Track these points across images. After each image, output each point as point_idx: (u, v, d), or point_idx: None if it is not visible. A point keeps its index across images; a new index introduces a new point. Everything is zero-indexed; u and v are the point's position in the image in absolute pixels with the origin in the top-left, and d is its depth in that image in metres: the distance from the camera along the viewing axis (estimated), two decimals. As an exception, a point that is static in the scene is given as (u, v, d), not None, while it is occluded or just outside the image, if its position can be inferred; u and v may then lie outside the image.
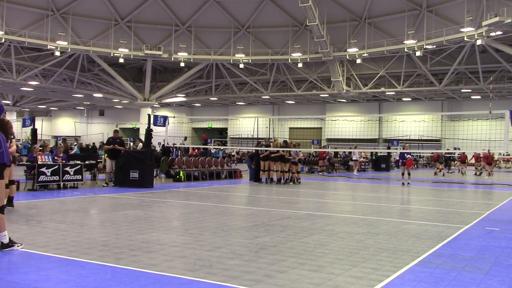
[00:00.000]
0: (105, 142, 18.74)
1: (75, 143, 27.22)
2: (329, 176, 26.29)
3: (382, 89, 44.84)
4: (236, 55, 43.46)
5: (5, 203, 6.43)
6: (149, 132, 16.28)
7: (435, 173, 29.44)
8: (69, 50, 40.68)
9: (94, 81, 49.27)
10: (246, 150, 41.52)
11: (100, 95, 51.11)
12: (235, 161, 35.24)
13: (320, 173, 27.39)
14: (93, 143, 31.83)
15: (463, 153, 31.92)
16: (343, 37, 41.18)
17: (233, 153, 42.01)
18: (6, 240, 6.02)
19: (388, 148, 37.46)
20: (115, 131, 16.72)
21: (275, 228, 8.12)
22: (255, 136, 39.12)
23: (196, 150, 32.42)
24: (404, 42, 37.46)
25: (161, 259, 5.66)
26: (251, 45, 43.82)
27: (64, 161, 14.36)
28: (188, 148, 31.84)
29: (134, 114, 56.23)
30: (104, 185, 15.44)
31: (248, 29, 44.67)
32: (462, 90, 43.13)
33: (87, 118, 69.59)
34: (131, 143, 31.18)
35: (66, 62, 43.57)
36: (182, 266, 5.37)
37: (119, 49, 41.92)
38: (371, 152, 34.22)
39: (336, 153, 34.08)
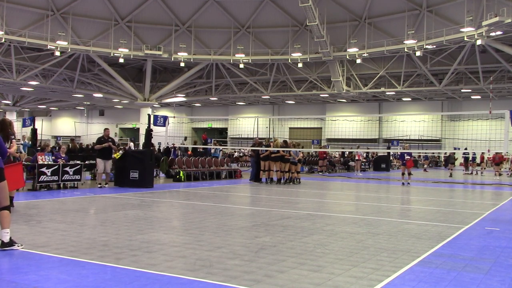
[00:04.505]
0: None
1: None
2: (329, 176, 26.29)
3: (382, 89, 44.83)
4: (236, 55, 43.44)
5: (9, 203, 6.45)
6: (149, 132, 16.27)
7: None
8: (69, 50, 40.67)
9: (94, 81, 49.27)
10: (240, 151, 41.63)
11: (100, 95, 51.12)
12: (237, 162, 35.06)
13: (320, 173, 27.40)
14: (94, 143, 31.83)
15: (482, 153, 31.70)
16: (343, 37, 41.17)
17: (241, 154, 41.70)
18: (7, 239, 6.02)
19: (388, 148, 37.45)
20: (106, 129, 15.82)
21: (275, 228, 8.12)
22: (255, 136, 39.07)
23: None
24: (404, 42, 37.44)
25: (161, 259, 5.66)
26: (251, 45, 43.81)
27: (64, 161, 14.37)
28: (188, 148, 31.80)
29: (134, 114, 56.23)
30: (99, 186, 14.82)
31: (248, 29, 44.66)
32: (462, 90, 43.10)
33: (87, 118, 69.60)
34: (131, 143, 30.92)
35: (66, 62, 43.56)
36: (182, 266, 5.37)
37: (119, 49, 41.90)
38: (367, 153, 34.13)
39: (343, 153, 34.03)
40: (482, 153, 31.70)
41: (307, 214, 10.06)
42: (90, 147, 28.74)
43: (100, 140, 15.33)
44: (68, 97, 53.24)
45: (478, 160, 32.70)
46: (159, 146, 31.82)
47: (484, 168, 31.85)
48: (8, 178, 11.44)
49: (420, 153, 41.79)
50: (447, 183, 23.03)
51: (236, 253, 6.08)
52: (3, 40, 37.45)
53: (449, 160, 31.77)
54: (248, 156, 32.65)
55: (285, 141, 20.13)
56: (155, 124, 17.02)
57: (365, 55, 39.46)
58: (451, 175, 28.60)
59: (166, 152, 22.58)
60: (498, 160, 29.28)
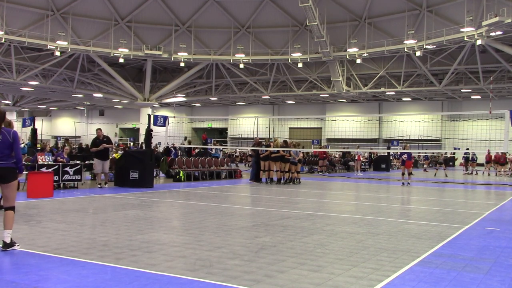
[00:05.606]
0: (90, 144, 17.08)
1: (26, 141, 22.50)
2: (329, 176, 26.29)
3: (382, 89, 44.82)
4: (236, 55, 43.44)
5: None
6: (149, 132, 16.27)
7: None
8: (69, 50, 40.66)
9: (94, 81, 49.27)
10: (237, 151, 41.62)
11: (100, 95, 51.11)
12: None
13: (320, 173, 27.39)
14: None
15: (489, 152, 31.65)
16: (343, 37, 41.17)
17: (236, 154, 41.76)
18: (9, 240, 6.03)
19: (388, 148, 37.45)
20: (98, 130, 15.52)
21: (275, 228, 8.12)
22: (255, 136, 39.10)
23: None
24: (404, 42, 37.43)
25: (161, 259, 5.66)
26: (251, 45, 43.81)
27: (64, 161, 14.37)
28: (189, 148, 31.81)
29: (134, 114, 56.23)
30: (99, 186, 14.85)
31: (248, 29, 44.66)
32: (462, 90, 43.09)
33: (87, 118, 69.58)
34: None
35: (66, 62, 43.55)
36: (182, 266, 5.37)
37: (119, 49, 41.90)
38: (370, 153, 34.19)
39: (343, 153, 33.99)
40: (489, 152, 31.58)
41: (307, 214, 10.06)
42: (89, 147, 28.80)
43: (95, 142, 15.19)
44: (68, 97, 53.23)
45: (484, 160, 32.63)
46: (162, 148, 31.74)
47: (489, 169, 31.72)
48: (38, 186, 11.60)
49: (420, 153, 41.78)
50: (447, 183, 23.02)
51: (236, 253, 6.08)
52: (3, 40, 37.44)
53: (438, 160, 32.02)
54: (248, 156, 32.71)
55: (285, 141, 20.13)
56: (155, 124, 17.02)
57: (365, 55, 39.46)
58: (437, 174, 29.22)
59: (166, 152, 22.57)
60: (503, 161, 29.22)
